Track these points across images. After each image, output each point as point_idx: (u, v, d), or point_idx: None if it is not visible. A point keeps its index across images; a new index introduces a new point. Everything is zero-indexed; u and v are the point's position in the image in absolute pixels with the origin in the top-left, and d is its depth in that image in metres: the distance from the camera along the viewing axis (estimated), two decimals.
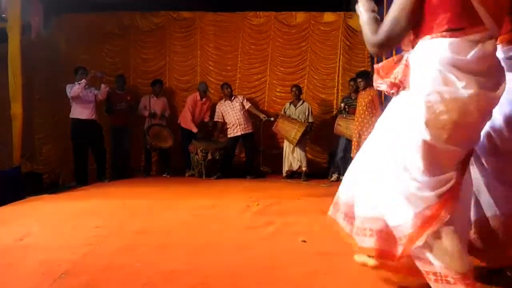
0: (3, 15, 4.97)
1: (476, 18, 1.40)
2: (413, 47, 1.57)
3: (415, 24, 1.51)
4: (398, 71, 1.54)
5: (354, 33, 7.27)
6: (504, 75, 1.47)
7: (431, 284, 1.47)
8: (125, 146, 6.68)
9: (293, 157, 6.43)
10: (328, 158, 6.98)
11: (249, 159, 6.69)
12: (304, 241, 2.47)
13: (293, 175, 6.48)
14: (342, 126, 5.98)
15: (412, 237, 1.47)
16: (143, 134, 6.68)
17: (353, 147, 5.66)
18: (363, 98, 5.58)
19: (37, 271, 1.95)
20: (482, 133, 1.66)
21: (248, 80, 7.45)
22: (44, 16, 5.94)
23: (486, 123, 1.52)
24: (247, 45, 7.40)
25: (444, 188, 1.45)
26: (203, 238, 2.64)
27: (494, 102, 1.44)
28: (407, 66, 1.52)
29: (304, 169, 6.33)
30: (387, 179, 1.55)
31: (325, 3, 7.08)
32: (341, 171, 6.16)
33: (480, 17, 1.39)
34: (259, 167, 6.99)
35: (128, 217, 3.32)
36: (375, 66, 1.68)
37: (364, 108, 5.52)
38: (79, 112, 5.89)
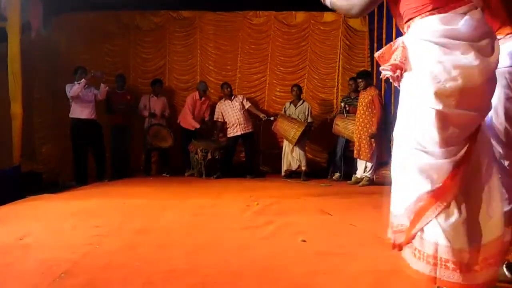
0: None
1: None
2: (403, 30, 1.64)
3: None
4: (397, 54, 1.60)
5: (354, 33, 7.27)
6: (495, 39, 1.52)
7: (428, 269, 1.46)
8: (125, 145, 6.68)
9: (292, 157, 6.43)
10: (328, 158, 6.99)
11: (249, 158, 6.69)
12: (304, 241, 2.47)
13: (292, 174, 6.48)
14: (340, 126, 5.98)
15: (422, 208, 1.48)
16: (143, 134, 6.68)
17: (354, 147, 5.66)
18: (363, 98, 5.59)
19: (36, 270, 1.95)
20: (502, 128, 1.69)
21: (248, 80, 7.45)
22: (43, 15, 5.94)
23: (493, 87, 1.53)
24: (247, 45, 7.40)
25: (458, 156, 1.46)
26: (202, 237, 2.64)
27: (493, 65, 1.48)
28: (404, 47, 1.57)
29: (303, 168, 6.33)
30: (402, 162, 1.58)
31: None
32: (342, 171, 6.17)
33: None
34: (259, 167, 6.99)
35: (128, 216, 3.31)
36: (375, 55, 1.72)
37: (365, 108, 5.52)
38: (79, 111, 5.89)
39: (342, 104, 6.22)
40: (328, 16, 7.28)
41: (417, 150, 1.51)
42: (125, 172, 6.56)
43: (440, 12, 1.48)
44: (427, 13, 1.50)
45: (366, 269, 1.91)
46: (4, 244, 2.43)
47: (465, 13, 1.48)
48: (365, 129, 5.51)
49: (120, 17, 7.26)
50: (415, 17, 1.54)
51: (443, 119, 1.46)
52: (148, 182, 5.94)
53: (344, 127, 5.93)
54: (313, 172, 6.55)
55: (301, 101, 6.61)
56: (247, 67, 7.45)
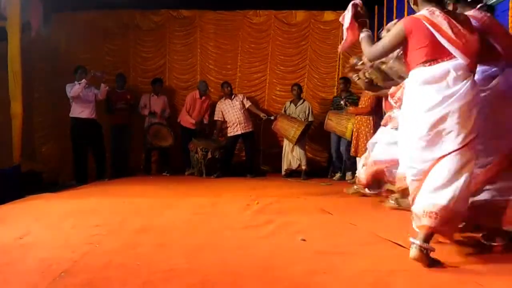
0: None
1: (446, 50, 2.02)
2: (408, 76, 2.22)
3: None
4: (400, 91, 2.56)
5: None
6: (468, 81, 1.98)
7: None
8: (125, 145, 6.68)
9: (292, 156, 6.43)
10: (328, 157, 6.98)
11: (249, 158, 6.68)
12: (304, 240, 2.47)
13: (292, 174, 6.48)
14: (334, 121, 5.95)
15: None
16: (143, 133, 6.68)
17: (352, 145, 5.64)
18: (364, 97, 5.57)
19: (36, 269, 1.95)
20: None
21: (248, 79, 7.44)
22: (43, 14, 5.93)
23: (474, 112, 1.98)
24: (247, 44, 7.39)
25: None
26: (202, 236, 2.64)
27: (458, 101, 1.95)
28: (403, 88, 2.29)
29: (304, 167, 6.32)
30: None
31: (325, 1, 7.06)
32: (342, 170, 6.15)
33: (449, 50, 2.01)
34: (259, 166, 6.98)
35: (128, 215, 3.31)
36: (389, 93, 3.00)
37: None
38: (79, 111, 5.89)
39: (342, 102, 6.16)
40: (328, 15, 7.26)
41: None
42: (125, 172, 6.56)
43: (428, 64, 2.04)
44: (420, 65, 2.07)
45: (366, 269, 1.91)
46: (4, 243, 2.43)
47: (445, 65, 2.00)
48: (362, 127, 5.47)
49: (120, 16, 7.24)
50: (413, 68, 2.11)
51: (428, 139, 2.00)
52: (148, 181, 5.94)
53: (337, 122, 5.90)
54: (313, 171, 6.55)
55: (301, 101, 6.60)
56: (247, 66, 7.44)
